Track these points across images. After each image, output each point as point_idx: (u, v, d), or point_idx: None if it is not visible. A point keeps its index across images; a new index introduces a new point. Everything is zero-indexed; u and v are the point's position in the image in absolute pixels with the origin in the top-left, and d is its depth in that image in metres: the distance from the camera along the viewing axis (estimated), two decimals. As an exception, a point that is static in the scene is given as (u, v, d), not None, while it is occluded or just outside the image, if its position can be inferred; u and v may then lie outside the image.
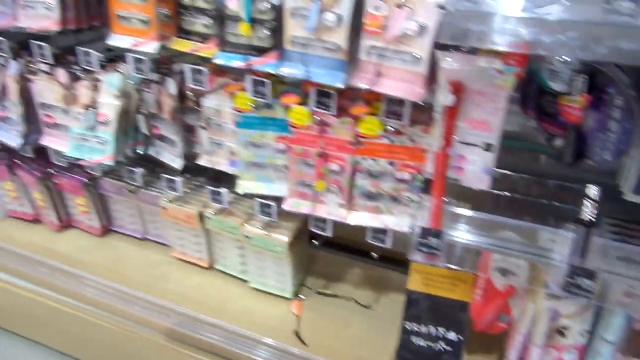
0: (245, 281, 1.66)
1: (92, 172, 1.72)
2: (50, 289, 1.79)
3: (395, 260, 1.59)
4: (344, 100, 1.19)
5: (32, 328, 1.96)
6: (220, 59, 1.21)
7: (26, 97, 1.61)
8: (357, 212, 1.27)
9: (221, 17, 1.21)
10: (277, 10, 1.12)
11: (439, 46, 0.96)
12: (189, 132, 1.51)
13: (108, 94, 1.46)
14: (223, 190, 1.47)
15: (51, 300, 1.78)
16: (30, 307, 1.86)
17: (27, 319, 1.93)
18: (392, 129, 1.14)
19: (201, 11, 1.26)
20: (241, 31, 1.17)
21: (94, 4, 1.51)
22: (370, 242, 1.29)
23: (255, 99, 1.23)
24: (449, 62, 0.95)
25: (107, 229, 1.92)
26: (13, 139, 1.66)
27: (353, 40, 1.07)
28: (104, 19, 1.55)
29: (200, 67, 1.29)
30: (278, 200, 1.39)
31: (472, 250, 1.10)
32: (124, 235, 1.91)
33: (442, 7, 0.88)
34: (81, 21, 1.48)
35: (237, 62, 1.19)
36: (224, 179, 1.51)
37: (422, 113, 1.11)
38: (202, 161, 1.49)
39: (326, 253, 1.77)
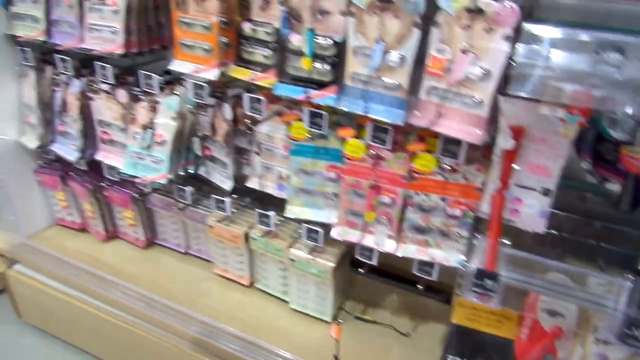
0: (285, 302, 1.69)
1: (142, 188, 1.77)
2: (94, 298, 1.85)
3: (434, 288, 1.60)
4: (398, 135, 1.21)
5: (73, 333, 2.02)
6: (281, 91, 1.25)
7: (85, 114, 1.69)
8: (406, 244, 1.29)
9: (282, 50, 1.26)
10: (339, 47, 1.16)
11: (501, 91, 0.99)
12: (238, 154, 1.56)
13: (166, 115, 1.52)
14: (271, 213, 1.51)
15: (95, 309, 1.84)
16: (73, 313, 1.92)
17: (68, 324, 1.99)
18: (447, 167, 1.16)
19: (262, 42, 1.31)
20: (302, 65, 1.21)
21: (155, 28, 1.58)
22: (417, 273, 1.31)
23: (311, 129, 1.27)
24: (511, 108, 0.97)
25: (150, 242, 1.98)
26: (71, 152, 1.73)
27: (413, 78, 1.09)
28: (164, 43, 1.62)
29: (259, 96, 1.33)
30: (324, 225, 1.42)
31: (521, 290, 1.11)
32: (167, 248, 1.97)
33: (511, 59, 0.90)
34: (143, 45, 1.55)
35: (296, 94, 1.23)
36: (269, 200, 1.55)
37: (477, 151, 1.13)
38: (252, 184, 1.53)
39: (364, 277, 1.79)
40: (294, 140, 1.34)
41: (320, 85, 1.22)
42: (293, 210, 1.43)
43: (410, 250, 1.28)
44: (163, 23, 1.61)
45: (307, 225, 1.43)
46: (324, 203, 1.40)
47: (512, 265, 1.04)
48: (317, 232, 1.43)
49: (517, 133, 0.99)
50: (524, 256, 1.04)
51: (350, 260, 1.59)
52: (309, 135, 1.31)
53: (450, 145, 1.12)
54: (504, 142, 1.00)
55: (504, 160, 1.03)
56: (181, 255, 1.94)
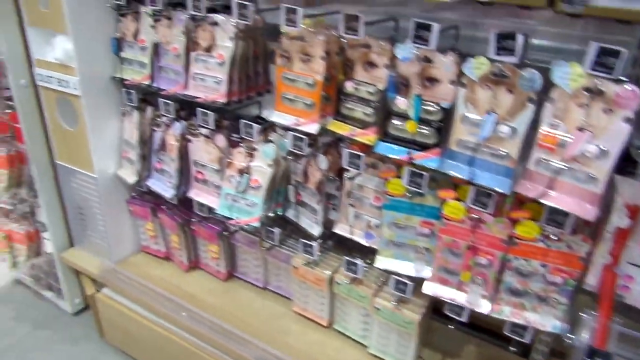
0: (363, 345, 1.72)
1: (229, 225, 1.85)
2: (175, 325, 1.93)
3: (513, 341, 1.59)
4: (498, 197, 1.23)
5: (151, 356, 2.12)
6: (382, 150, 1.30)
7: (182, 154, 1.79)
8: (500, 306, 1.30)
9: (385, 111, 1.31)
10: (446, 113, 1.20)
11: (618, 169, 1.00)
12: (325, 199, 1.61)
13: (262, 161, 1.59)
14: (358, 261, 1.55)
15: (175, 335, 1.92)
16: (153, 337, 2.01)
17: (148, 347, 2.09)
18: (553, 237, 1.17)
19: (363, 101, 1.36)
20: (407, 128, 1.25)
21: (253, 77, 1.67)
22: (508, 334, 1.32)
23: (410, 187, 1.31)
24: (628, 188, 0.98)
25: (230, 275, 2.06)
26: (166, 189, 1.84)
27: (523, 148, 1.12)
28: (259, 90, 1.71)
29: (358, 152, 1.38)
30: (411, 277, 1.45)
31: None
32: (245, 282, 2.04)
33: (634, 144, 0.91)
34: (242, 93, 1.64)
35: (398, 154, 1.27)
36: (351, 244, 1.58)
37: (582, 221, 1.14)
38: (340, 230, 1.58)
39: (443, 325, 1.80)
40: (390, 195, 1.38)
41: (422, 147, 1.26)
42: (383, 261, 1.46)
43: (504, 312, 1.29)
44: (259, 72, 1.70)
45: (396, 277, 1.46)
46: (414, 256, 1.43)
47: (621, 343, 1.04)
48: (405, 284, 1.45)
49: (634, 212, 0.99)
50: (635, 334, 1.03)
51: (433, 309, 1.61)
52: (407, 193, 1.35)
53: (556, 215, 1.13)
54: (619, 220, 1.01)
55: (617, 237, 1.03)
56: (259, 290, 2.00)
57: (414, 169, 1.28)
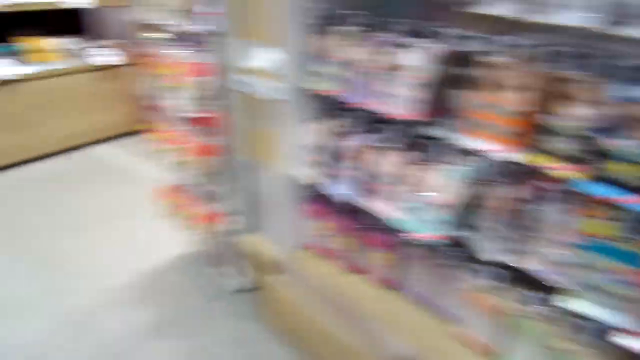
0: (531, 383, 1.65)
1: (407, 237, 1.89)
2: (335, 322, 2.05)
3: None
4: None
5: (307, 346, 2.27)
6: (593, 190, 1.23)
7: (363, 164, 1.87)
8: None
9: (591, 148, 1.24)
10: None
11: None
12: (509, 228, 1.57)
13: (449, 181, 1.61)
14: (538, 296, 1.49)
15: (332, 332, 2.03)
16: (314, 331, 2.16)
17: (303, 337, 2.24)
18: None
19: (567, 136, 1.30)
20: (617, 169, 1.18)
21: (440, 100, 1.67)
22: None
23: (623, 234, 1.23)
24: None
25: (392, 284, 2.10)
26: (345, 195, 1.94)
27: None
28: (445, 114, 1.70)
29: (553, 187, 1.33)
30: (600, 323, 1.36)
31: None
32: (408, 295, 2.06)
33: None
34: (431, 114, 1.66)
35: (608, 195, 1.20)
36: (530, 278, 1.52)
37: None
38: (520, 262, 1.53)
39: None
40: (589, 235, 1.31)
41: (635, 191, 1.17)
42: (574, 303, 1.39)
43: None
44: (445, 95, 1.70)
45: (581, 320, 1.38)
46: (608, 302, 1.34)
47: None
48: (591, 329, 1.37)
49: None
50: None
51: None
52: (611, 236, 1.27)
53: None
54: None
55: None
56: (422, 305, 2.01)
57: (628, 214, 1.20)
